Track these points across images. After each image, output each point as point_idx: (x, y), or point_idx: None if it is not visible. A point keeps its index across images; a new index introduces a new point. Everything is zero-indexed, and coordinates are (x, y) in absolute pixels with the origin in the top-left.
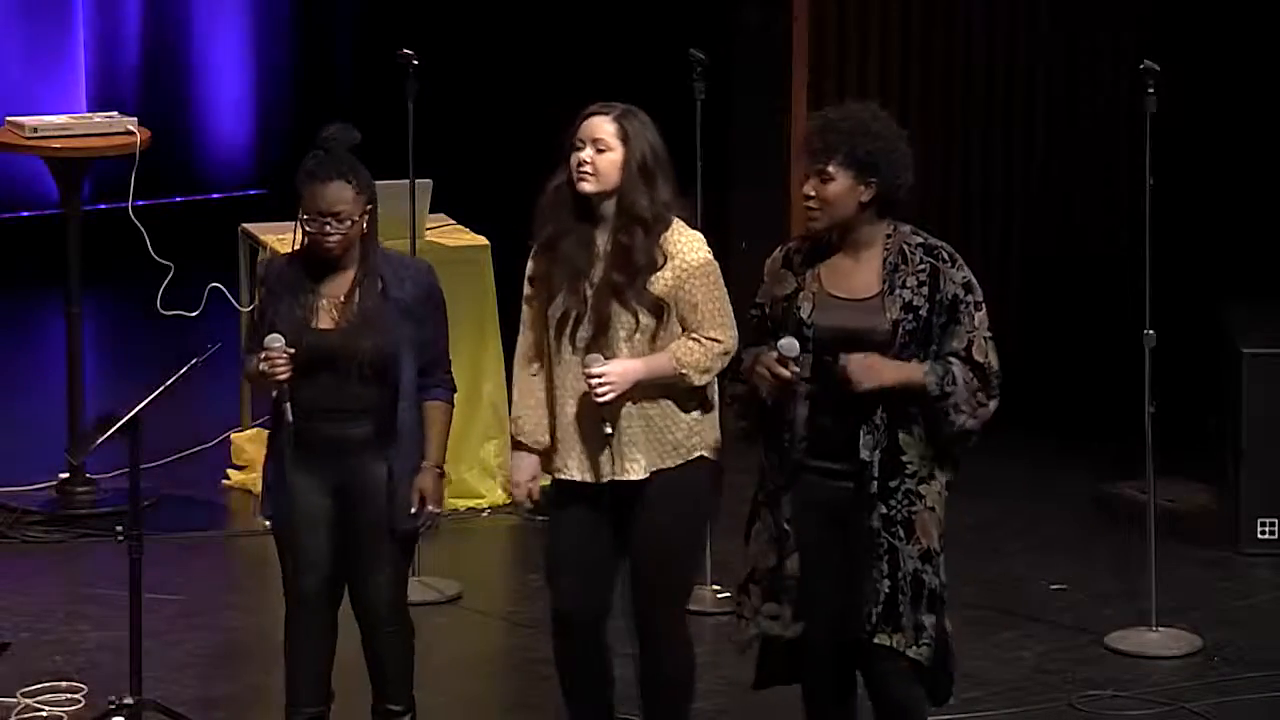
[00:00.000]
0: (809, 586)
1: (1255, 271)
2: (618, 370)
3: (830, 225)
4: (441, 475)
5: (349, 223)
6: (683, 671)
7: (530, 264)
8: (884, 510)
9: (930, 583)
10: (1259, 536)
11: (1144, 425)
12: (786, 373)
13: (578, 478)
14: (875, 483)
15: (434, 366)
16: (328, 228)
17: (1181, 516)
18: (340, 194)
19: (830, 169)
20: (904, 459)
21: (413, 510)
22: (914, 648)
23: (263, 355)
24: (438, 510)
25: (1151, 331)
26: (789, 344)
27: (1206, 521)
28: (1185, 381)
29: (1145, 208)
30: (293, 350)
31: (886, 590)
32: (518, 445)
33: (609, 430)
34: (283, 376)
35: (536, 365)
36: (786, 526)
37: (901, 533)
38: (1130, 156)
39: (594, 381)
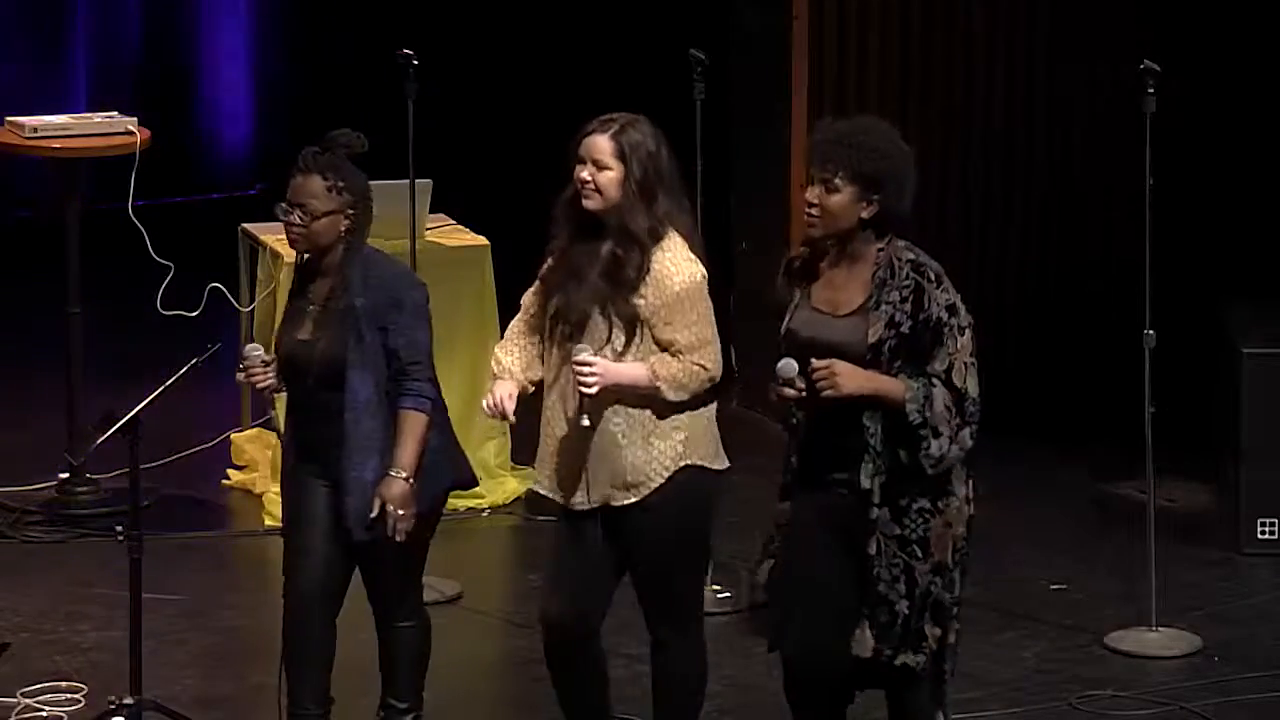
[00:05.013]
0: (803, 605)
1: (1255, 271)
2: (602, 366)
3: (827, 235)
4: (408, 481)
5: (312, 218)
6: (694, 673)
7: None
8: (899, 531)
9: (939, 596)
10: (1259, 536)
11: (1144, 425)
12: (792, 392)
13: (550, 495)
14: (876, 509)
15: (405, 375)
16: (292, 217)
17: (1181, 516)
18: (308, 186)
19: (836, 180)
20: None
21: (372, 515)
22: (912, 655)
23: (239, 366)
24: (403, 516)
25: (1151, 331)
26: (786, 365)
27: (1206, 521)
28: (1185, 381)
29: (1145, 208)
30: (270, 359)
31: (905, 612)
32: (495, 378)
33: (586, 422)
34: (261, 385)
35: (523, 323)
36: (773, 533)
37: (918, 551)
38: (1130, 156)
39: (581, 369)
